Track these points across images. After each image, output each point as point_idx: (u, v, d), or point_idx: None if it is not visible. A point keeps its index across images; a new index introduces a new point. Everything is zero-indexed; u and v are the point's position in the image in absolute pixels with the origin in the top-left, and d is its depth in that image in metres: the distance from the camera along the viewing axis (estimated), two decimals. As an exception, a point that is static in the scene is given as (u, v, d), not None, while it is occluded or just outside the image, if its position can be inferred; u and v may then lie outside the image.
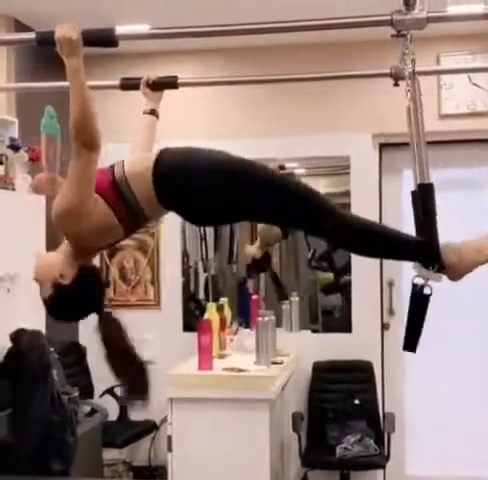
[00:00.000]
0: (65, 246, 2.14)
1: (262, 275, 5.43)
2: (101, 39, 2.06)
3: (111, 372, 2.19)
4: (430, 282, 2.03)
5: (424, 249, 2.02)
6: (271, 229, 5.09)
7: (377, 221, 4.91)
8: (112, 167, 2.15)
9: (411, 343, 2.12)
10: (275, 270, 5.38)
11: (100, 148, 2.01)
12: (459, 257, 2.00)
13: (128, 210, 2.09)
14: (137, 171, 2.09)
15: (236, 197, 2.06)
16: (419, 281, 2.05)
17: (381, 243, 2.08)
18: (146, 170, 2.08)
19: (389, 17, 1.94)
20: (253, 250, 5.21)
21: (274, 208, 2.08)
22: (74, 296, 2.15)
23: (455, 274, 2.03)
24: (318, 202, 2.08)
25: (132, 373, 2.21)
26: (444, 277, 2.03)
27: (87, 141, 1.97)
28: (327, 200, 2.11)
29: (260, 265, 5.26)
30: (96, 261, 5.08)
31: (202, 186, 2.05)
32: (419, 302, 2.05)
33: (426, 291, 2.03)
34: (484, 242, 2.03)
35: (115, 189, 2.08)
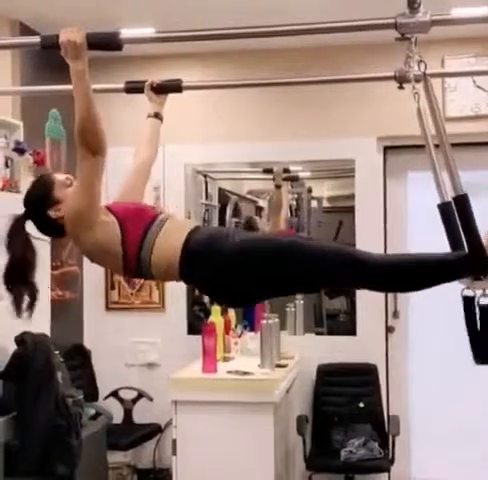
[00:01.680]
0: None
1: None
2: (106, 43, 2.07)
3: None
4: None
5: (472, 261, 1.94)
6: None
7: (382, 224, 4.92)
8: (155, 215, 2.15)
9: (486, 356, 2.08)
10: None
11: (106, 151, 2.02)
12: None
13: (136, 259, 2.11)
14: (169, 242, 2.10)
15: (263, 279, 2.05)
16: (469, 292, 1.98)
17: (425, 271, 2.00)
18: (176, 247, 2.09)
19: (393, 20, 1.93)
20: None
21: (303, 281, 2.06)
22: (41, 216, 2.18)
23: None
24: (349, 261, 2.02)
25: (22, 289, 2.20)
26: None
27: (92, 145, 1.98)
28: (347, 252, 2.05)
29: None
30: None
31: (229, 268, 2.05)
32: (484, 314, 1.97)
33: (486, 301, 1.96)
34: None
35: (138, 240, 2.10)
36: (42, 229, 2.24)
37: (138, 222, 2.12)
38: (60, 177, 2.23)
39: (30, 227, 2.25)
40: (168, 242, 2.10)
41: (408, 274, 2.00)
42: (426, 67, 2.04)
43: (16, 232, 2.21)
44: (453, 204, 1.99)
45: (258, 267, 2.03)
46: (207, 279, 2.09)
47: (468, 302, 1.99)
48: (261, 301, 2.18)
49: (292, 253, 2.03)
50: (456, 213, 1.98)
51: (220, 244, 2.07)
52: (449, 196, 2.04)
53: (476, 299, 1.96)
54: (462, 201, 1.97)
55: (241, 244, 2.07)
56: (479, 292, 1.96)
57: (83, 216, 2.06)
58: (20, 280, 2.19)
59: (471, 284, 1.97)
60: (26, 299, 2.19)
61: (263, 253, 2.05)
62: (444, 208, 2.07)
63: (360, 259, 2.00)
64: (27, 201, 2.24)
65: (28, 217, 2.23)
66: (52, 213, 2.16)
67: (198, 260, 2.07)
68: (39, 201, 2.19)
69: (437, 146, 2.10)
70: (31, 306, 2.20)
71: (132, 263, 2.12)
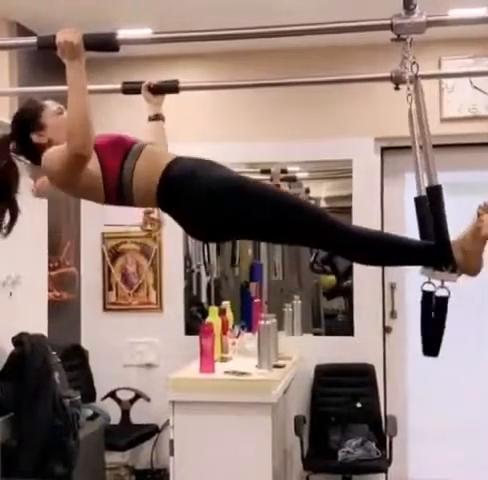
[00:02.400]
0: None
1: (265, 279, 5.43)
2: (102, 43, 2.07)
3: None
4: (446, 284, 2.01)
5: (437, 252, 2.00)
6: None
7: (379, 225, 4.93)
8: (132, 144, 2.16)
9: (434, 348, 2.11)
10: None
11: (89, 158, 2.02)
12: (463, 251, 1.99)
13: (118, 189, 2.12)
14: (149, 166, 2.11)
15: (235, 213, 2.06)
16: (429, 287, 2.04)
17: (390, 250, 2.06)
18: (156, 170, 2.10)
19: (389, 21, 1.94)
20: None
21: (273, 224, 2.07)
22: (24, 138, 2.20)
23: (469, 268, 2.01)
24: (319, 216, 2.07)
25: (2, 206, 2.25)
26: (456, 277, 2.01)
27: (78, 146, 1.97)
28: (329, 215, 2.09)
29: None
30: (98, 264, 5.11)
31: (205, 199, 2.05)
32: (438, 305, 2.03)
33: (443, 293, 2.02)
34: (474, 226, 2.01)
35: (118, 167, 2.11)
36: (21, 150, 2.25)
37: (117, 149, 2.13)
38: (51, 105, 2.24)
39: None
40: (148, 166, 2.11)
41: (378, 250, 2.06)
42: (418, 69, 2.05)
43: (0, 151, 2.23)
44: (427, 194, 2.06)
45: (233, 204, 2.04)
46: (183, 209, 2.10)
47: (426, 296, 2.06)
48: (234, 239, 2.23)
49: (268, 198, 2.06)
50: (428, 203, 2.05)
51: (200, 176, 2.07)
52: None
53: (434, 291, 2.03)
54: (435, 191, 2.03)
55: (220, 179, 2.08)
56: (438, 283, 2.02)
57: (64, 177, 2.09)
58: (0, 196, 2.22)
59: (432, 274, 2.02)
60: (6, 217, 2.23)
61: (239, 192, 2.06)
62: (419, 201, 2.14)
63: (336, 224, 2.05)
64: (13, 120, 2.26)
65: (13, 137, 2.25)
66: (34, 137, 2.17)
67: (176, 189, 2.08)
68: (24, 122, 2.21)
69: (421, 148, 2.12)
70: (10, 225, 2.24)
71: (113, 188, 2.12)
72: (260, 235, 2.26)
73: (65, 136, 2.02)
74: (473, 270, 2.02)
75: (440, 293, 2.03)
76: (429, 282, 2.05)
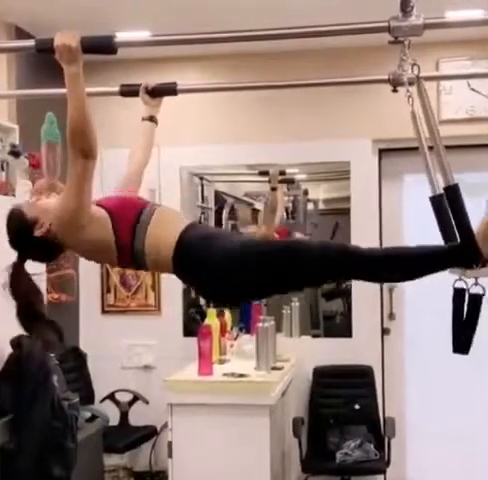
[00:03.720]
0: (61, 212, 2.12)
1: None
2: (100, 46, 2.06)
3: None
4: (480, 280, 1.97)
5: (464, 251, 1.96)
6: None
7: (377, 226, 4.94)
8: (143, 206, 2.15)
9: (466, 346, 2.10)
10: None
11: (96, 156, 2.02)
12: (484, 244, 1.95)
13: (131, 255, 2.11)
14: (162, 232, 2.10)
15: (255, 279, 2.06)
16: (460, 284, 2.00)
17: (419, 262, 2.02)
18: (170, 236, 2.09)
19: (386, 24, 1.94)
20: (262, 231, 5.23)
21: (296, 276, 2.07)
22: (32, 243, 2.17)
23: None
24: (341, 252, 2.04)
25: (41, 327, 2.24)
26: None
27: (84, 148, 1.98)
28: (348, 246, 2.08)
29: None
30: (97, 267, 5.11)
31: (222, 266, 2.05)
32: (473, 304, 2.00)
33: (478, 291, 1.99)
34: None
35: (130, 232, 2.10)
36: (40, 256, 2.24)
37: (128, 211, 2.12)
38: (25, 202, 2.23)
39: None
40: (161, 232, 2.10)
41: (402, 264, 2.02)
42: (419, 70, 2.05)
43: (17, 278, 2.19)
44: (444, 194, 2.02)
45: (255, 269, 2.04)
46: (202, 277, 2.09)
47: (458, 293, 2.01)
48: (258, 300, 2.22)
49: (287, 253, 2.05)
50: (447, 203, 2.01)
51: (217, 244, 2.07)
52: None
53: (467, 288, 1.99)
54: (453, 191, 2.00)
55: (239, 245, 2.08)
56: (470, 281, 1.98)
57: (73, 217, 2.06)
58: (33, 321, 2.22)
59: (463, 273, 1.99)
60: (50, 334, 2.23)
61: (260, 255, 2.06)
62: (435, 200, 2.09)
63: (353, 250, 2.03)
64: (11, 241, 2.20)
65: (23, 256, 2.20)
66: (38, 232, 2.13)
67: (194, 257, 2.07)
68: (20, 231, 2.17)
69: (431, 148, 2.11)
70: (61, 339, 2.23)
71: (126, 253, 2.12)
72: (285, 288, 2.24)
73: (54, 212, 2.06)
74: None
75: (474, 291, 1.99)
76: (460, 279, 2.00)
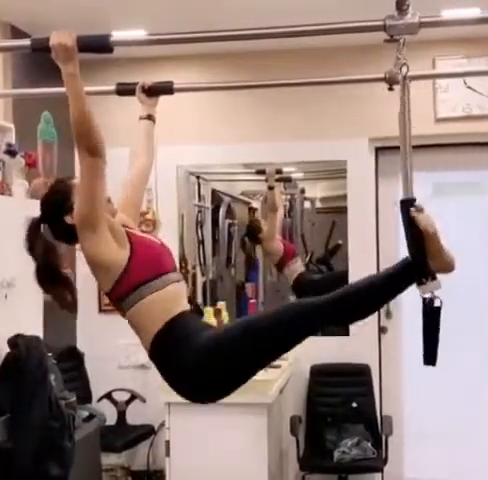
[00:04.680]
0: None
1: (261, 279, 5.44)
2: (96, 45, 2.07)
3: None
4: (436, 293, 2.00)
5: (417, 267, 1.98)
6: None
7: (374, 225, 4.94)
8: (168, 270, 2.17)
9: (431, 357, 2.10)
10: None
11: (104, 154, 2.03)
12: (433, 260, 1.97)
13: (123, 298, 2.15)
14: (155, 307, 2.13)
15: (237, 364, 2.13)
16: (427, 295, 2.02)
17: (374, 292, 2.05)
18: (160, 317, 2.13)
19: (382, 22, 1.95)
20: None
21: (273, 350, 2.16)
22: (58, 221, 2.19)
23: (443, 267, 1.99)
24: (301, 315, 2.08)
25: (59, 287, 2.25)
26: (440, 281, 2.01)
27: (89, 146, 1.99)
28: (304, 305, 2.09)
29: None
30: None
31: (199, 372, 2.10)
32: (431, 316, 2.02)
33: (436, 304, 2.00)
34: (420, 232, 1.96)
35: (135, 283, 2.12)
36: (57, 235, 2.24)
37: (151, 265, 2.13)
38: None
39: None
40: (157, 307, 2.12)
41: (362, 300, 2.03)
42: (408, 70, 2.05)
43: (34, 235, 2.21)
44: (400, 207, 2.01)
45: (231, 361, 2.10)
46: (174, 369, 2.13)
47: (425, 305, 2.03)
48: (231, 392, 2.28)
49: (251, 336, 2.08)
50: (402, 216, 2.00)
51: (188, 348, 2.09)
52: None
53: (425, 303, 2.01)
54: (407, 205, 1.98)
55: (209, 339, 2.09)
56: (429, 295, 2.00)
57: (85, 219, 2.06)
58: (51, 281, 2.23)
59: (421, 289, 2.00)
60: (67, 294, 2.26)
61: (233, 347, 2.09)
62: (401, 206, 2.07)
63: (311, 305, 2.05)
64: (45, 206, 2.23)
65: (45, 221, 2.23)
66: (69, 218, 2.14)
67: (165, 358, 2.13)
68: (57, 206, 2.18)
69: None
70: (73, 303, 2.28)
71: (119, 296, 2.15)
72: (268, 360, 2.29)
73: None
74: (447, 266, 2.00)
75: (436, 304, 2.01)
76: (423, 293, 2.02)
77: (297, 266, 5.25)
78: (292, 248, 5.32)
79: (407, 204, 1.99)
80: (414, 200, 1.99)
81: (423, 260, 1.96)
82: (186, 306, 2.20)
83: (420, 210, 1.96)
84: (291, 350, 2.18)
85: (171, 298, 2.15)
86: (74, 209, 2.12)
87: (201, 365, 2.07)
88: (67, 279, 2.25)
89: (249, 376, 2.21)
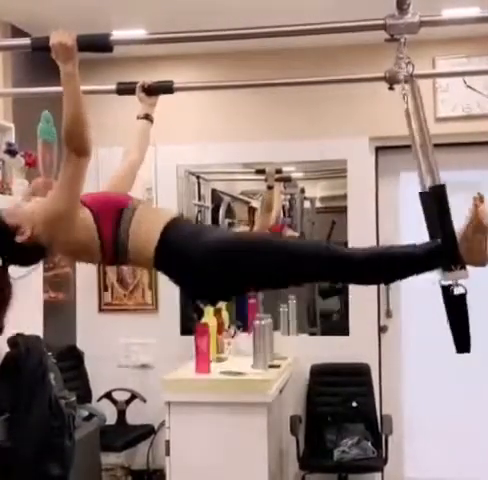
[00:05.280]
0: (37, 206, 2.13)
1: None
2: (96, 45, 2.07)
3: None
4: (460, 281, 2.00)
5: (444, 253, 1.98)
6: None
7: (374, 224, 4.94)
8: (125, 203, 2.14)
9: (465, 344, 2.11)
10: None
11: (90, 155, 2.02)
12: (466, 246, 1.97)
13: (114, 249, 2.11)
14: (143, 230, 2.10)
15: (239, 267, 2.06)
16: (447, 283, 2.02)
17: (397, 265, 2.03)
18: (151, 235, 2.08)
19: (382, 21, 1.95)
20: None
21: (277, 271, 2.06)
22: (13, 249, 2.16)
23: (475, 261, 1.99)
24: (319, 251, 2.05)
25: None
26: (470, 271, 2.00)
27: (78, 147, 1.98)
28: (328, 246, 2.07)
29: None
30: (93, 265, 5.10)
31: (207, 259, 2.04)
32: (457, 303, 2.03)
33: (460, 291, 2.02)
34: (472, 219, 1.98)
35: (114, 226, 2.09)
36: (23, 261, 2.24)
37: (111, 209, 2.11)
38: (7, 207, 2.23)
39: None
40: (144, 228, 2.10)
41: (382, 267, 2.03)
42: (413, 69, 2.05)
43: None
44: (431, 194, 2.05)
45: (233, 263, 2.05)
46: (182, 274, 2.11)
47: (446, 293, 2.04)
48: (237, 295, 2.23)
49: (268, 248, 2.06)
50: (433, 202, 2.03)
51: (197, 240, 2.07)
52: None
53: (452, 289, 2.02)
54: (438, 191, 2.02)
55: (215, 240, 2.09)
56: (453, 282, 2.01)
57: (63, 215, 2.05)
58: None
59: (443, 275, 2.00)
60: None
61: (239, 250, 2.07)
62: (423, 197, 2.11)
63: (336, 252, 2.03)
64: None
65: (6, 262, 2.21)
66: (19, 238, 2.11)
67: (174, 253, 2.08)
68: (1, 238, 2.15)
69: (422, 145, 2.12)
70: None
71: (110, 251, 2.12)
72: (266, 284, 2.24)
73: (38, 216, 2.06)
74: (480, 262, 2.00)
75: (457, 291, 2.02)
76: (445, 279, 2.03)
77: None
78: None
79: (443, 189, 2.02)
80: (444, 185, 2.03)
81: (456, 247, 1.96)
82: (168, 214, 2.18)
83: (482, 200, 1.97)
84: (288, 287, 2.16)
85: (148, 216, 2.14)
86: (20, 229, 2.10)
87: (209, 259, 2.04)
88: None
89: (244, 289, 2.24)
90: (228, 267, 2.05)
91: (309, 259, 2.03)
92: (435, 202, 2.02)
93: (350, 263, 2.02)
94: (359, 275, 2.06)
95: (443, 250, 1.98)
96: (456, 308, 2.04)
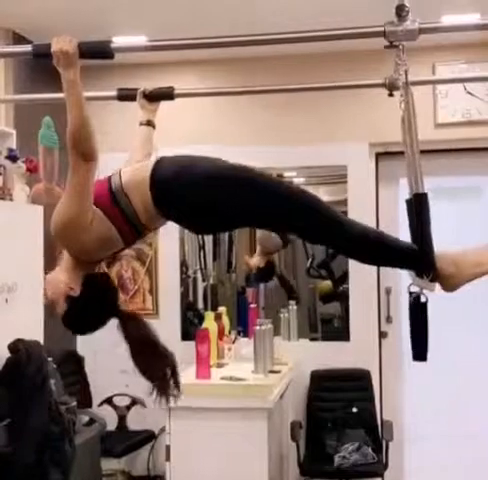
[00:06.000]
0: (66, 260, 2.14)
1: (261, 284, 5.44)
2: (98, 52, 2.08)
3: (141, 374, 2.22)
4: (425, 291, 2.02)
5: (419, 258, 1.99)
6: (270, 237, 5.10)
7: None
8: (109, 178, 2.14)
9: (420, 352, 2.10)
10: (280, 272, 5.39)
11: (97, 159, 2.03)
12: (456, 268, 1.97)
13: (127, 222, 2.09)
14: (134, 180, 2.09)
15: (234, 203, 2.04)
16: (415, 289, 2.04)
17: (379, 250, 2.05)
18: (143, 179, 2.08)
19: (382, 28, 1.96)
20: (255, 260, 5.21)
21: (273, 215, 2.05)
22: (87, 305, 2.14)
23: (450, 285, 2.00)
24: (319, 209, 2.04)
25: (161, 369, 2.23)
26: (438, 287, 2.02)
27: (84, 152, 1.98)
28: (328, 208, 2.06)
29: (265, 274, 5.27)
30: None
31: (199, 193, 2.03)
32: (418, 310, 2.04)
33: (422, 299, 2.02)
34: (484, 254, 1.99)
35: (113, 201, 2.08)
36: (96, 321, 2.21)
37: (101, 189, 2.10)
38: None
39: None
40: (135, 183, 2.08)
41: (369, 245, 2.05)
42: (407, 76, 2.06)
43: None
44: (413, 201, 2.05)
45: (223, 195, 2.03)
46: (178, 206, 2.08)
47: (412, 299, 2.05)
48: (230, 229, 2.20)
49: (260, 185, 2.04)
50: (414, 210, 2.04)
51: (187, 171, 2.06)
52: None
53: (418, 296, 2.03)
54: (421, 199, 2.03)
55: (208, 171, 2.07)
56: (417, 289, 2.02)
57: (76, 221, 2.05)
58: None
59: (414, 280, 2.02)
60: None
61: (229, 182, 2.05)
62: (410, 203, 2.11)
63: (343, 224, 2.04)
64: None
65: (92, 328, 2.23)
66: (59, 309, 2.12)
67: (169, 191, 2.06)
68: (76, 318, 2.16)
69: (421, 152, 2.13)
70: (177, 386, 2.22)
71: (127, 230, 2.11)
72: (258, 221, 2.20)
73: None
74: (453, 288, 2.01)
75: (423, 299, 2.03)
76: (413, 285, 2.05)
77: None
78: None
79: (425, 198, 2.02)
80: (426, 194, 2.03)
81: (431, 258, 1.97)
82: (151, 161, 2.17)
83: None
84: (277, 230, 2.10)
85: (134, 170, 2.14)
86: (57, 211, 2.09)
87: (198, 191, 2.04)
88: (171, 358, 2.26)
89: (237, 221, 2.19)
90: (217, 198, 2.03)
91: (301, 211, 2.02)
92: (416, 210, 2.03)
93: (344, 231, 2.02)
94: (346, 244, 2.06)
95: (419, 256, 1.99)
96: (418, 315, 2.04)
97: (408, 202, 2.11)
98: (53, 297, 2.14)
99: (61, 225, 2.06)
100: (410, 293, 2.05)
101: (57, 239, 2.09)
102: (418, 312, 2.04)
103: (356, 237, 2.04)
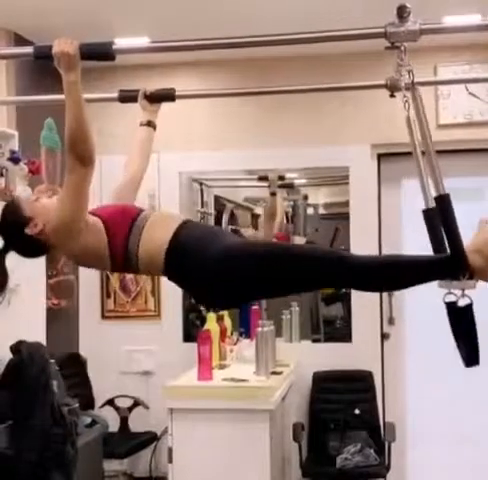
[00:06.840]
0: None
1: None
2: (99, 53, 2.07)
3: None
4: (466, 291, 1.96)
5: (453, 262, 1.94)
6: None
7: (376, 231, 4.95)
8: (138, 213, 2.15)
9: (474, 357, 2.03)
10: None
11: (94, 163, 2.03)
12: (483, 256, 1.94)
13: (125, 260, 2.13)
14: (153, 239, 2.10)
15: (249, 274, 2.04)
16: (451, 298, 1.98)
17: (405, 272, 2.01)
18: (161, 243, 2.09)
19: (383, 29, 1.95)
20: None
21: (287, 278, 2.05)
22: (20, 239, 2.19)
23: (486, 273, 1.96)
24: (329, 257, 2.04)
25: None
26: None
27: (81, 155, 1.98)
28: (331, 252, 2.09)
29: None
30: (96, 272, 5.10)
31: (216, 266, 2.04)
32: (464, 315, 1.99)
33: (466, 301, 1.97)
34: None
35: (124, 239, 2.11)
36: (25, 252, 2.25)
37: (123, 220, 2.13)
38: (25, 198, 2.26)
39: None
40: (154, 235, 2.10)
41: (391, 274, 2.01)
42: (413, 77, 2.05)
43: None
44: (435, 204, 2.01)
45: (243, 270, 2.03)
46: (191, 278, 2.10)
47: (450, 307, 2.00)
48: (248, 303, 2.17)
49: (278, 256, 2.04)
50: (438, 213, 2.00)
51: (207, 245, 2.07)
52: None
53: (456, 301, 1.98)
54: (443, 201, 1.99)
55: (228, 247, 2.07)
56: (458, 293, 1.97)
57: (70, 225, 2.06)
58: None
59: (450, 285, 1.98)
60: None
61: (249, 257, 2.05)
62: (428, 213, 2.09)
63: (346, 258, 2.02)
64: (2, 230, 2.23)
65: (8, 246, 2.23)
66: (29, 230, 2.14)
67: (183, 258, 2.07)
68: (11, 224, 2.19)
69: (424, 153, 2.11)
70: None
71: (120, 259, 2.13)
72: (275, 291, 2.22)
73: (53, 215, 2.08)
74: None
75: (463, 302, 1.98)
76: (450, 293, 1.99)
77: None
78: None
79: (448, 199, 1.99)
80: (449, 195, 1.99)
81: (464, 255, 1.93)
82: (180, 219, 2.18)
83: None
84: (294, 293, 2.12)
85: (160, 223, 2.14)
86: (44, 215, 2.12)
87: (216, 269, 2.04)
88: None
89: (256, 295, 2.28)
90: (240, 274, 2.03)
91: (321, 266, 2.01)
92: (440, 212, 1.98)
93: (365, 269, 2.00)
94: (371, 281, 2.03)
95: (451, 261, 1.95)
96: (463, 320, 2.00)
97: (425, 212, 2.07)
98: (31, 214, 2.15)
99: (54, 227, 2.09)
100: (447, 304, 1.99)
101: (51, 238, 2.13)
102: (464, 316, 1.99)
103: (375, 266, 2.03)
